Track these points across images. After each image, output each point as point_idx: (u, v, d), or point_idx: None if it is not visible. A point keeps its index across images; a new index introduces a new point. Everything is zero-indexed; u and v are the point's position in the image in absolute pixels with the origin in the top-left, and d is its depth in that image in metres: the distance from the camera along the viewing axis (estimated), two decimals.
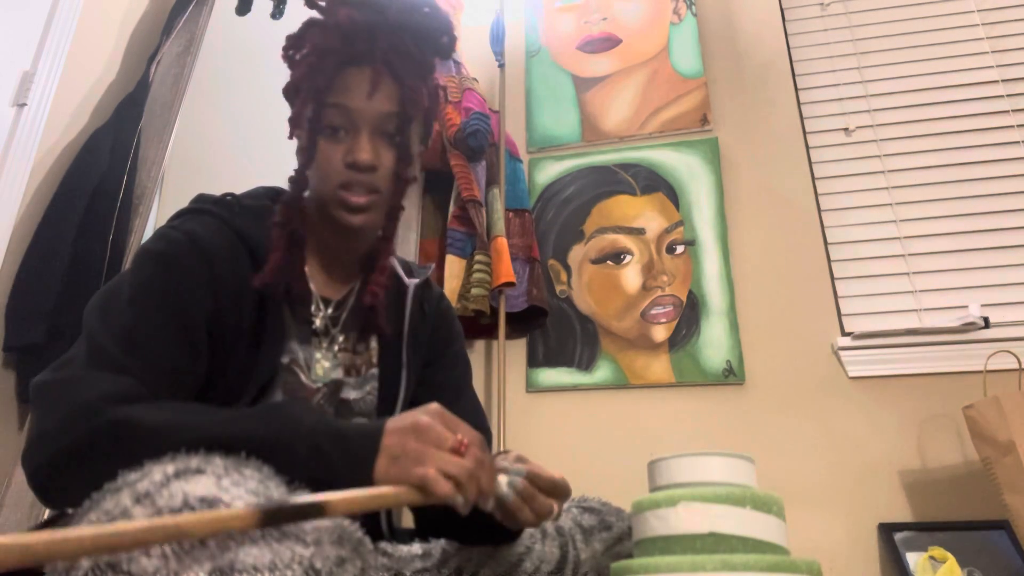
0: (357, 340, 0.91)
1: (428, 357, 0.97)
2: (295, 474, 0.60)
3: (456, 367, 1.01)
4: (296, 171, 0.85)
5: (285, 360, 0.82)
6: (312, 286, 0.87)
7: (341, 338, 0.89)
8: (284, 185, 0.94)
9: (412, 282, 0.95)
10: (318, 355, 0.86)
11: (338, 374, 0.88)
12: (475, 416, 1.01)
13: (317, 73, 0.80)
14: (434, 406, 0.65)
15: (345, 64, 0.79)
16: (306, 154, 0.81)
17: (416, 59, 0.83)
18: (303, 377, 0.84)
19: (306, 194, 0.88)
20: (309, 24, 0.84)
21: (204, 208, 0.83)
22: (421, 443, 0.62)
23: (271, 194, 0.91)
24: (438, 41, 0.86)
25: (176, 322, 0.74)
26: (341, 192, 0.80)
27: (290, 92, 0.85)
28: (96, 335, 0.71)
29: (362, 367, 0.90)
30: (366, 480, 0.60)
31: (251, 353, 0.79)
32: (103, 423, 0.62)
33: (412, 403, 0.94)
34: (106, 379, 0.67)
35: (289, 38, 0.87)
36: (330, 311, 0.88)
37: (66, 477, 0.63)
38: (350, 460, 0.62)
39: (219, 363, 0.77)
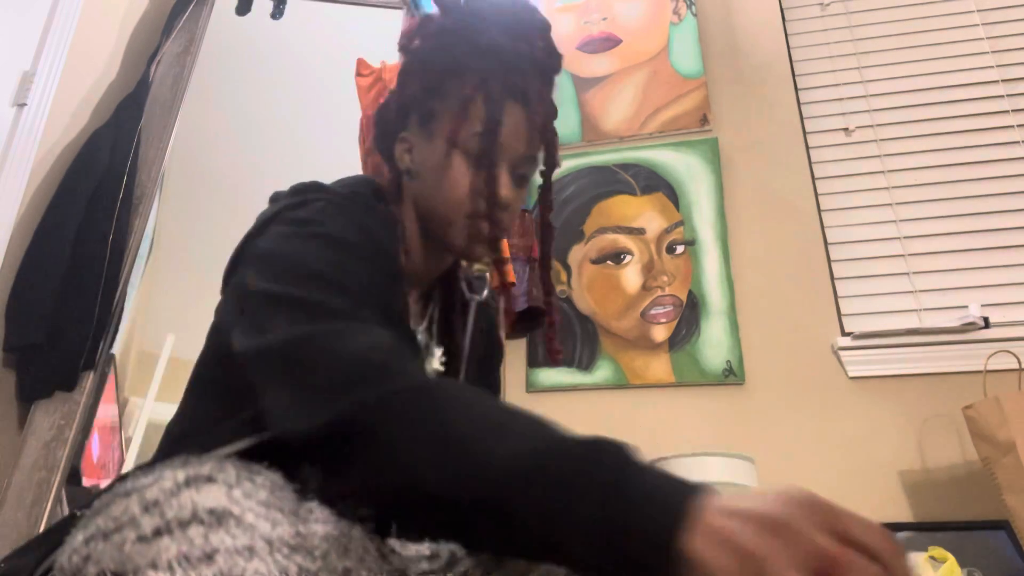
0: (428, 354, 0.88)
1: (476, 374, 0.96)
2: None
3: (494, 383, 1.01)
4: (411, 184, 0.84)
5: None
6: (410, 300, 0.85)
7: (439, 351, 0.88)
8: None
9: (475, 298, 0.94)
10: (428, 369, 0.84)
11: None
12: None
13: (485, 100, 0.77)
14: (808, 494, 0.42)
15: (505, 95, 0.78)
16: (472, 182, 0.77)
17: (553, 104, 0.83)
18: None
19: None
20: (447, 32, 0.81)
21: (336, 199, 0.77)
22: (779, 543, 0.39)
23: (370, 184, 0.86)
24: (555, 82, 0.86)
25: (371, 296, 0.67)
26: (478, 222, 0.78)
27: (426, 98, 0.81)
28: (306, 299, 0.62)
29: None
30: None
31: None
32: (414, 387, 0.54)
33: None
34: (371, 327, 0.59)
35: (418, 36, 0.84)
36: (424, 324, 0.87)
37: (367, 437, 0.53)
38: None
39: None
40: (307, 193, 0.79)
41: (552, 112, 0.83)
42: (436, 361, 0.86)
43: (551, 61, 0.84)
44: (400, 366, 0.55)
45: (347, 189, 0.81)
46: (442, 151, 0.79)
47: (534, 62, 0.80)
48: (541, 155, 0.85)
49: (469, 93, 0.77)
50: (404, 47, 0.85)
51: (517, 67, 0.78)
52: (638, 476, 0.46)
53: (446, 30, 0.82)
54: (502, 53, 0.78)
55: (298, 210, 0.74)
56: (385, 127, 0.88)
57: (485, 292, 0.96)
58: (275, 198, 0.82)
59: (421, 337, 0.85)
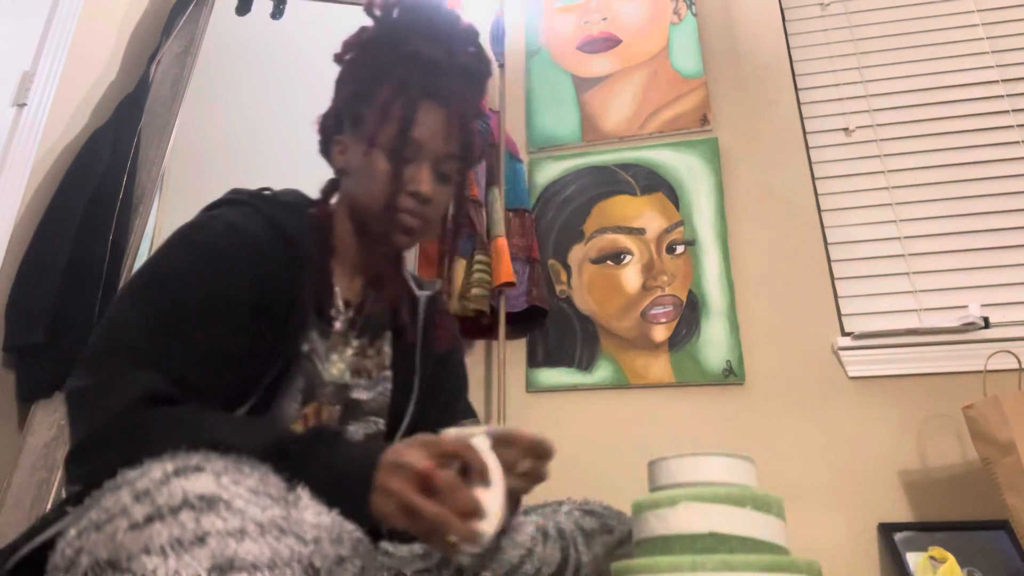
0: (369, 344, 0.94)
1: (435, 365, 1.01)
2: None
3: (457, 373, 1.07)
4: (345, 181, 0.90)
5: (305, 348, 0.85)
6: (336, 287, 0.91)
7: (355, 342, 0.92)
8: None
9: (423, 294, 1.00)
10: (334, 356, 0.89)
11: (347, 378, 0.90)
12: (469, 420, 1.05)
13: (403, 102, 0.83)
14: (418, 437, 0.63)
15: (422, 97, 0.83)
16: (388, 176, 0.84)
17: (476, 106, 0.89)
18: (319, 365, 0.86)
19: (333, 201, 0.93)
20: (375, 42, 0.88)
21: (242, 199, 0.86)
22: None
23: (302, 195, 0.95)
24: (485, 86, 0.92)
25: (215, 306, 0.75)
26: (398, 215, 0.84)
27: (355, 103, 0.88)
28: (129, 325, 0.72)
29: (372, 370, 0.93)
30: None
31: (276, 337, 0.81)
32: (127, 431, 0.64)
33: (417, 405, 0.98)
34: (134, 380, 0.68)
35: (352, 47, 0.90)
36: (350, 314, 0.92)
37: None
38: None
39: (247, 346, 0.79)
40: (227, 197, 0.88)
41: (473, 112, 0.89)
42: (350, 349, 0.91)
43: (478, 65, 0.90)
44: (132, 424, 0.64)
45: (270, 193, 0.89)
46: (365, 150, 0.85)
47: (455, 66, 0.86)
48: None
49: (390, 96, 0.83)
50: (339, 58, 0.92)
51: (437, 71, 0.84)
52: (342, 454, 0.64)
53: (375, 40, 0.89)
54: (421, 58, 0.84)
55: (202, 213, 0.84)
56: (325, 132, 0.94)
57: (436, 288, 1.03)
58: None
59: (339, 325, 0.90)
